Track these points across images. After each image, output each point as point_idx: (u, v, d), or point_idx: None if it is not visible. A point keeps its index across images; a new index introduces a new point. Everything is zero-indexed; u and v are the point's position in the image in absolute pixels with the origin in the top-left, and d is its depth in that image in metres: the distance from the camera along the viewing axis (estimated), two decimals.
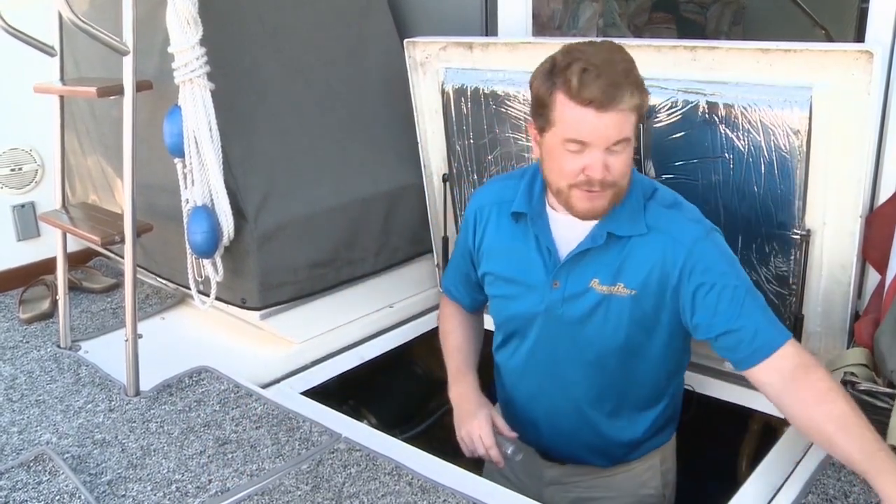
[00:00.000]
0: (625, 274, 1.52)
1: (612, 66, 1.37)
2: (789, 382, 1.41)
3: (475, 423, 1.63)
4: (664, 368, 1.64)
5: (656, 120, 1.80)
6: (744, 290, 1.46)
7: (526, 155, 2.11)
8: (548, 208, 1.60)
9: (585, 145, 1.40)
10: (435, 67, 2.22)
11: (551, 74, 1.42)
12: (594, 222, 1.52)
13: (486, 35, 2.45)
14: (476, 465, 2.00)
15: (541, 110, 1.45)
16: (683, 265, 1.47)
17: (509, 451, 1.63)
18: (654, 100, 1.78)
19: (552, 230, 1.58)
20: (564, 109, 1.40)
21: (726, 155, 1.73)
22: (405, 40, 2.24)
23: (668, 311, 1.52)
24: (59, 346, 2.27)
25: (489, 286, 1.73)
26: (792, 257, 1.72)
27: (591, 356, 1.60)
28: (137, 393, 1.96)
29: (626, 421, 1.67)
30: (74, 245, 2.63)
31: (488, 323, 1.91)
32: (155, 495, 1.57)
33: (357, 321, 2.37)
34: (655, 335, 1.56)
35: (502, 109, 2.09)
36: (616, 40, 1.84)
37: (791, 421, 1.45)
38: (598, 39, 1.48)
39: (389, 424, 2.43)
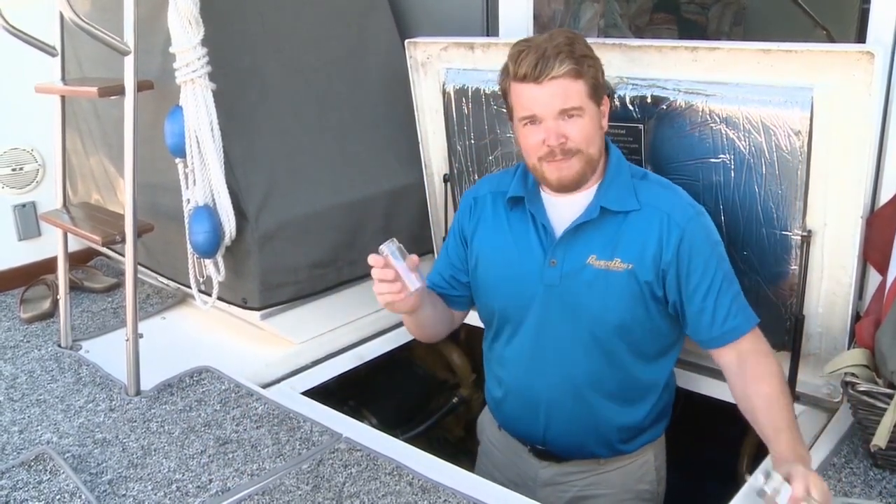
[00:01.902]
0: (621, 248, 1.57)
1: (546, 43, 1.50)
2: (741, 363, 1.55)
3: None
4: (661, 347, 1.67)
5: (657, 121, 1.80)
6: (722, 274, 1.56)
7: None
8: (542, 192, 1.66)
9: (537, 118, 1.53)
10: (436, 68, 2.22)
11: (503, 67, 1.57)
12: (588, 202, 1.59)
13: (488, 35, 2.45)
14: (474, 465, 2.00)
15: (505, 101, 1.60)
16: (678, 243, 1.54)
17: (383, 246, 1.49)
18: (654, 100, 1.79)
19: (548, 210, 1.65)
20: (514, 91, 1.55)
21: (727, 155, 1.73)
22: (406, 40, 2.24)
23: (660, 286, 1.58)
24: (59, 346, 2.27)
25: (483, 272, 1.73)
26: (793, 258, 1.72)
27: (590, 334, 1.61)
28: (138, 392, 1.96)
29: (625, 404, 1.68)
30: (75, 245, 2.63)
31: (474, 320, 1.90)
32: (155, 495, 1.57)
33: (357, 321, 2.37)
34: (652, 310, 1.60)
35: (503, 110, 2.09)
36: (617, 41, 1.86)
37: (731, 392, 1.58)
38: (556, 29, 1.59)
39: (390, 424, 2.43)
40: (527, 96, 1.52)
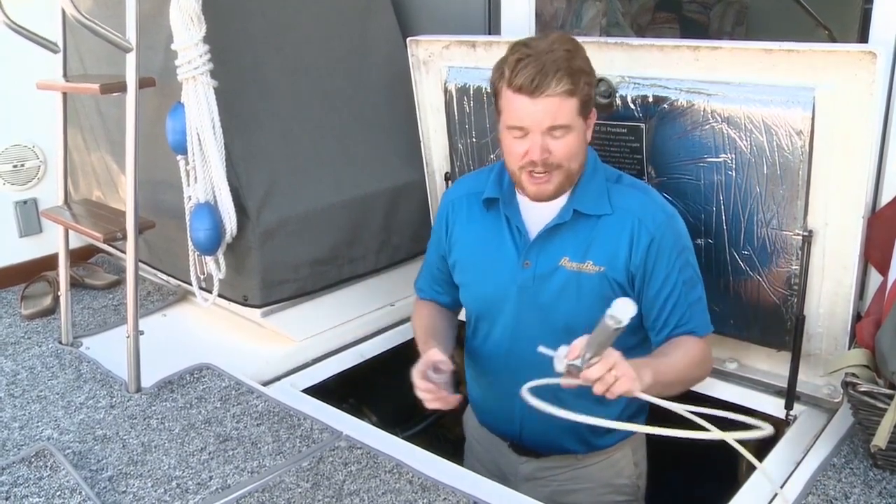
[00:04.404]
0: (593, 251, 1.59)
1: (546, 55, 1.46)
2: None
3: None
4: (632, 345, 1.66)
5: (659, 120, 1.80)
6: (682, 280, 1.58)
7: None
8: (518, 194, 1.67)
9: (525, 130, 1.51)
10: (438, 66, 2.22)
11: (499, 66, 1.53)
12: (562, 205, 1.61)
13: (489, 34, 2.45)
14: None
15: (495, 101, 1.57)
16: (647, 247, 1.56)
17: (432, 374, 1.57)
18: (656, 99, 1.78)
19: (522, 212, 1.66)
20: (505, 98, 1.51)
21: (728, 155, 1.73)
22: (408, 38, 2.24)
23: (631, 288, 1.60)
24: (60, 343, 2.27)
25: (460, 273, 1.76)
26: (794, 258, 1.72)
27: (563, 335, 1.60)
28: (139, 389, 1.96)
29: (597, 401, 1.66)
30: (76, 241, 2.63)
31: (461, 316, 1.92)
32: (155, 491, 1.57)
33: (358, 319, 2.37)
34: None
35: None
36: (619, 40, 1.85)
37: None
38: (556, 33, 1.56)
39: (390, 422, 2.43)
40: (518, 107, 1.49)
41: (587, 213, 1.59)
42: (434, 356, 1.60)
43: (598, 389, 1.36)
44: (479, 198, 1.71)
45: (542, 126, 1.49)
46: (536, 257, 1.63)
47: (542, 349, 1.42)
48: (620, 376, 1.35)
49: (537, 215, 1.63)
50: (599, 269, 1.58)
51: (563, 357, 1.37)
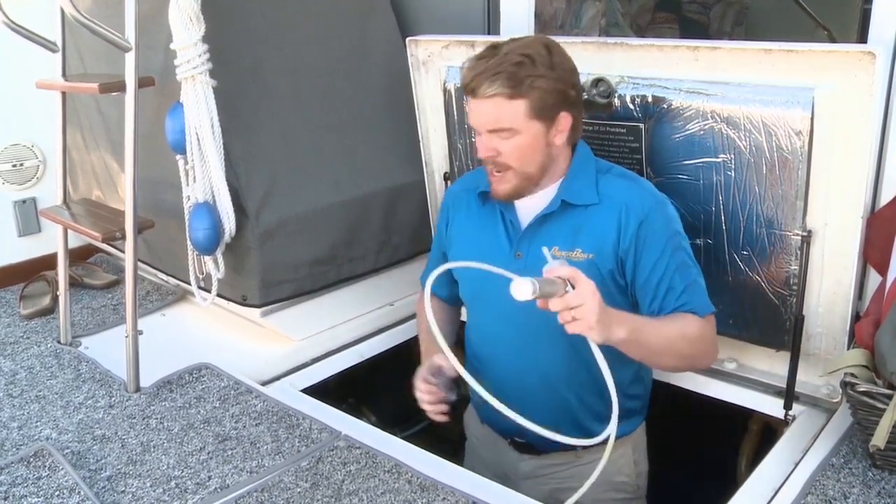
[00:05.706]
0: (581, 239, 1.61)
1: (491, 58, 1.49)
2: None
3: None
4: None
5: (658, 120, 1.80)
6: (676, 263, 1.58)
7: None
8: None
9: (476, 130, 1.56)
10: (437, 66, 2.22)
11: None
12: (552, 197, 1.63)
13: (489, 34, 2.45)
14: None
15: None
16: (636, 230, 1.57)
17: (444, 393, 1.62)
18: (655, 100, 1.78)
19: (515, 206, 1.68)
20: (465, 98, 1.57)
21: (728, 155, 1.73)
22: (407, 38, 2.24)
23: (620, 274, 1.61)
24: (59, 342, 2.27)
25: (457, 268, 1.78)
26: (793, 258, 1.72)
27: (555, 326, 1.61)
28: (137, 389, 1.96)
29: (597, 395, 1.69)
30: (75, 241, 2.63)
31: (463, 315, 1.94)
32: (154, 491, 1.57)
33: (357, 319, 2.37)
34: (618, 300, 1.62)
35: None
36: (618, 40, 1.85)
37: None
38: (532, 37, 1.59)
39: (389, 422, 2.43)
40: (469, 107, 1.55)
41: (574, 203, 1.61)
42: (436, 360, 1.62)
43: (560, 319, 1.37)
44: (475, 192, 1.74)
45: (484, 127, 1.54)
46: (527, 248, 1.65)
47: (545, 250, 1.45)
48: (579, 318, 1.35)
49: (529, 208, 1.66)
50: (588, 256, 1.60)
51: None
